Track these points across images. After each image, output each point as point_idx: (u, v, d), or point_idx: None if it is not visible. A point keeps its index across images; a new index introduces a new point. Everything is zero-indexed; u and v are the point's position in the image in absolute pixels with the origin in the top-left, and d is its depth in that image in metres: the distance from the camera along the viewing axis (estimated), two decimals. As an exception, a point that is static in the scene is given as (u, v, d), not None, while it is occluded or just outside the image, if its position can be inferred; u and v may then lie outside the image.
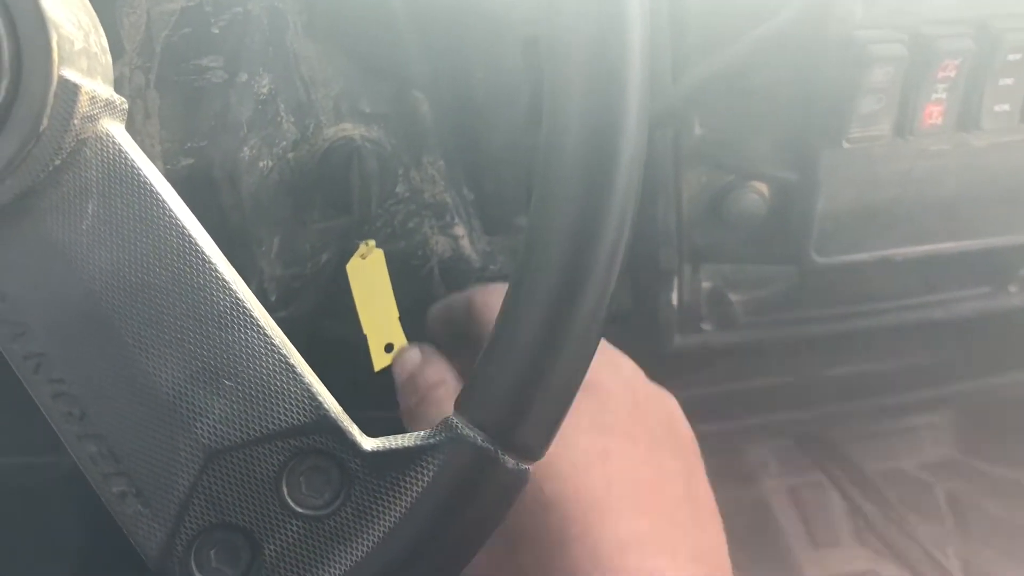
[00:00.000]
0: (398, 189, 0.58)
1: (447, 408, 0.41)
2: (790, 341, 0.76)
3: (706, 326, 0.72)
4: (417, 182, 0.59)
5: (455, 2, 0.56)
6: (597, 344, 0.35)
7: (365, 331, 0.56)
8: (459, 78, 0.57)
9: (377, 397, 0.60)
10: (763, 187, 0.62)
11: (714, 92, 0.56)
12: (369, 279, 0.55)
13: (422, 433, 0.35)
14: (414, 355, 0.54)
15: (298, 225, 0.57)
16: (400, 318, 0.56)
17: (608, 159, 0.33)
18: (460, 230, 0.62)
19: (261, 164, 0.54)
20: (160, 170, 0.52)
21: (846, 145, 0.58)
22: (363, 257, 0.54)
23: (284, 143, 0.54)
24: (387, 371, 0.58)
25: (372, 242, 0.55)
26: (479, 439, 0.33)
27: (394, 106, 0.57)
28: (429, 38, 0.56)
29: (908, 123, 0.58)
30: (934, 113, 0.58)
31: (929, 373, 0.89)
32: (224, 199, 0.53)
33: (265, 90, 0.53)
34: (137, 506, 0.33)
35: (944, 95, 0.57)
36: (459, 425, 0.34)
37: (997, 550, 0.96)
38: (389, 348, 0.56)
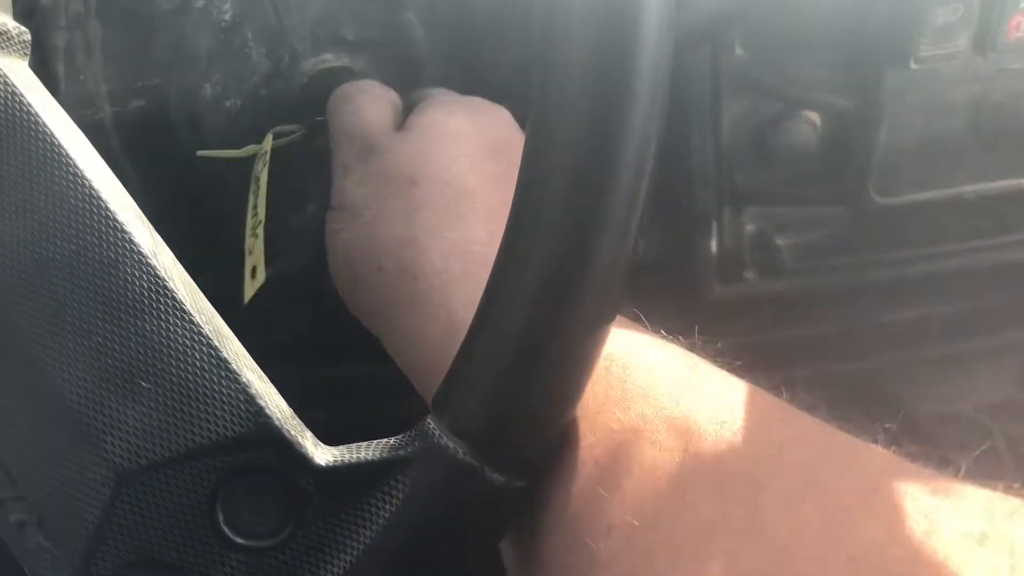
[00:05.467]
0: (391, 128, 0.51)
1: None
2: (844, 288, 0.68)
3: (749, 274, 0.65)
4: (412, 119, 0.51)
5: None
6: (609, 327, 0.27)
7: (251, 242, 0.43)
8: (458, -5, 0.50)
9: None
10: (815, 117, 0.56)
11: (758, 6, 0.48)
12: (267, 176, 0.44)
13: (391, 441, 0.28)
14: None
15: (277, 172, 0.50)
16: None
17: (620, 83, 0.25)
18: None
19: (227, 103, 0.47)
20: (107, 113, 0.45)
21: (914, 66, 0.51)
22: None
23: (255, 78, 0.48)
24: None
25: (269, 136, 0.45)
26: (460, 451, 0.27)
27: (383, 31, 0.50)
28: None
29: (990, 37, 0.51)
30: (1022, 25, 0.50)
31: (999, 316, 0.81)
32: (184, 144, 0.46)
33: (227, 17, 0.46)
34: (39, 539, 0.27)
35: (1035, 3, 0.50)
36: (436, 433, 0.27)
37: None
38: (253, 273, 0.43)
